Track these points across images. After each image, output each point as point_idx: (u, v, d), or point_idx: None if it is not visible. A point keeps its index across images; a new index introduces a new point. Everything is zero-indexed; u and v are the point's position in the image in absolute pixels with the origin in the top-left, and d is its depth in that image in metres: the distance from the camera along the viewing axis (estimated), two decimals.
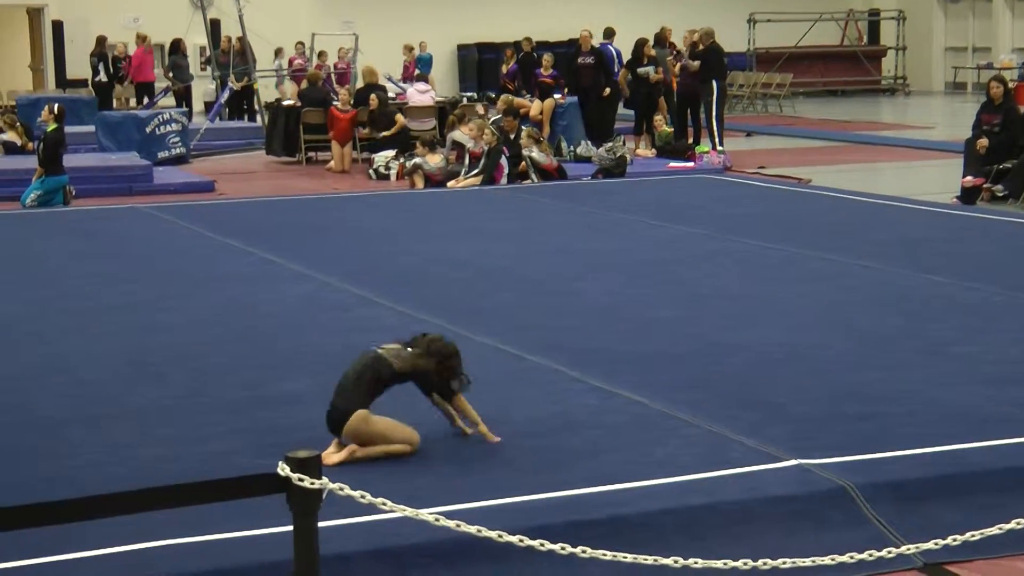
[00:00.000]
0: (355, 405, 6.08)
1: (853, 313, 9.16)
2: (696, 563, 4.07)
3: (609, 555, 4.06)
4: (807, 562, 4.30)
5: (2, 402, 7.24)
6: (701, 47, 19.83)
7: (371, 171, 19.23)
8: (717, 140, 19.52)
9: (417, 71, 25.63)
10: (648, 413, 6.84)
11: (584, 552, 4.03)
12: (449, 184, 17.40)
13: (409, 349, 6.30)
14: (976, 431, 6.34)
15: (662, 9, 31.85)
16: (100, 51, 26.62)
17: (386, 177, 18.97)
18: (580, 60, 21.48)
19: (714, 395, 7.14)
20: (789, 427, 6.50)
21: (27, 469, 6.09)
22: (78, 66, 28.93)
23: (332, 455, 6.03)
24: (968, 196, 15.28)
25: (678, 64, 21.19)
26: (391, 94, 22.34)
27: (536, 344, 8.31)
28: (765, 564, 4.15)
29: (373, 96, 20.45)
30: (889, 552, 4.42)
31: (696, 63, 19.94)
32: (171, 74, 26.24)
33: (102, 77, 26.38)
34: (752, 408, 6.87)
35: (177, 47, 26.14)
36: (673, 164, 19.30)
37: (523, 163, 17.63)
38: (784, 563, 4.20)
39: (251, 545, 5.03)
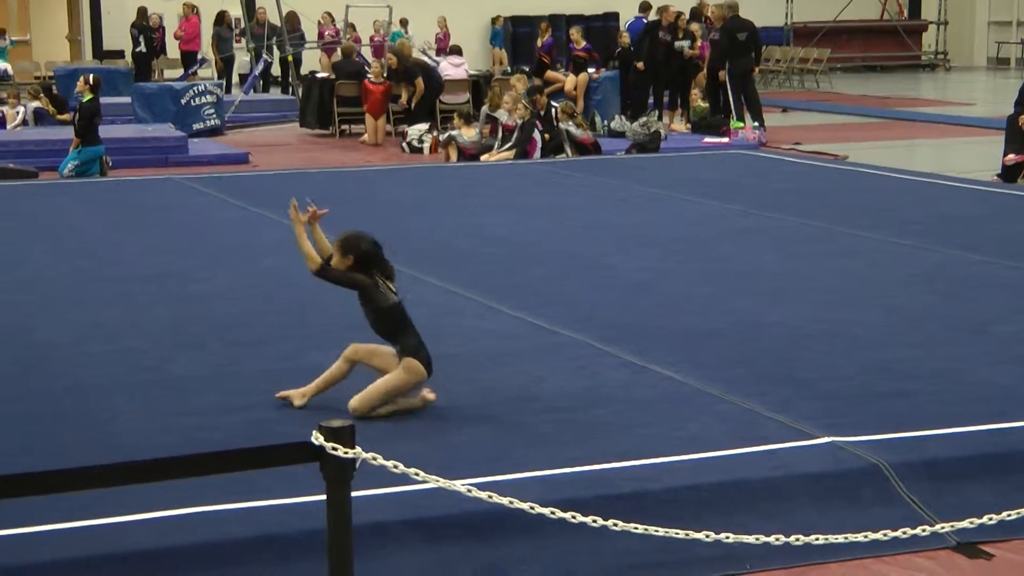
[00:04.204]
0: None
1: (889, 290, 9.12)
2: (728, 538, 4.08)
3: (640, 528, 4.07)
4: (840, 539, 4.30)
5: (44, 369, 7.31)
6: (717, 25, 19.78)
7: (404, 144, 19.24)
8: (735, 116, 19.46)
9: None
10: (680, 388, 6.84)
11: (615, 525, 4.04)
12: (483, 158, 17.39)
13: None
14: (1013, 411, 6.31)
15: None
16: (140, 22, 26.70)
17: (419, 150, 18.98)
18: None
19: (747, 371, 7.14)
20: (822, 404, 6.49)
21: (69, 434, 6.15)
22: (115, 37, 29.02)
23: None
24: (1009, 174, 15.17)
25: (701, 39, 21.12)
26: None
27: (568, 318, 8.32)
28: (797, 540, 4.16)
29: (390, 55, 20.44)
30: (923, 530, 4.42)
31: (687, 43, 20.00)
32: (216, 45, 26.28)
33: (142, 48, 26.46)
34: (785, 384, 6.86)
35: (222, 19, 26.17)
36: (708, 140, 19.24)
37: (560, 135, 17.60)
38: (817, 539, 4.21)
39: (285, 513, 5.07)
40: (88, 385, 7.00)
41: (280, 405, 6.55)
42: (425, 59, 23.30)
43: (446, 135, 18.28)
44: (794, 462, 5.68)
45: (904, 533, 4.29)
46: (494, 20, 29.59)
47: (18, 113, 19.71)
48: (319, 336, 7.95)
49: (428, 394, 6.49)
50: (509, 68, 23.96)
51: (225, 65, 26.10)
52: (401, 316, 6.42)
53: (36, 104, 19.95)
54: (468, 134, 18.01)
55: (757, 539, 4.14)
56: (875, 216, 12.23)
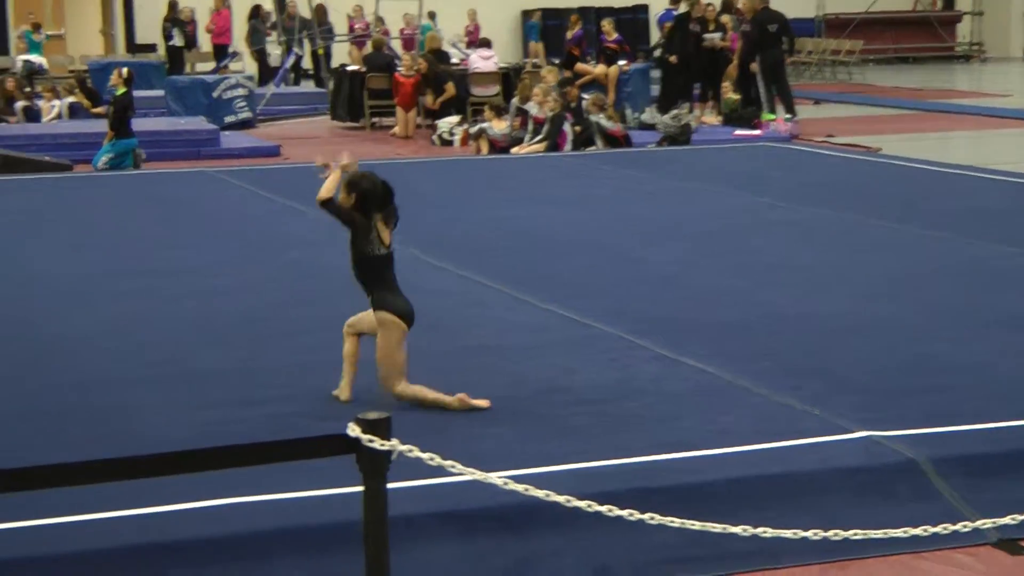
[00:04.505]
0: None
1: (923, 283, 9.07)
2: (765, 532, 4.05)
3: (677, 522, 4.06)
4: (878, 534, 4.26)
5: (71, 361, 7.33)
6: (748, 16, 19.72)
7: (435, 137, 19.24)
8: (767, 108, 19.39)
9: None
10: (713, 382, 6.82)
11: (652, 519, 4.02)
12: (513, 150, 17.38)
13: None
14: None
15: None
16: (172, 16, 26.78)
17: (450, 143, 18.98)
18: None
19: (779, 364, 7.10)
20: (856, 398, 6.45)
21: (97, 427, 6.16)
22: (148, 31, 29.10)
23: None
24: None
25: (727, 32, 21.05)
26: (455, 60, 22.31)
27: (599, 311, 8.30)
28: (836, 535, 4.13)
29: (421, 59, 20.43)
30: (964, 526, 4.38)
31: (718, 36, 19.92)
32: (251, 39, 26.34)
33: (176, 41, 26.54)
34: (818, 378, 6.82)
35: (257, 12, 26.21)
36: (739, 132, 19.17)
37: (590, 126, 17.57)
38: (855, 534, 4.17)
39: (319, 505, 5.07)
40: (114, 378, 7.01)
41: (304, 398, 6.55)
42: (455, 51, 23.29)
43: (476, 128, 18.28)
44: (829, 457, 5.64)
45: (945, 529, 4.24)
46: (530, 14, 29.51)
47: (53, 107, 19.81)
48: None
49: (479, 402, 6.42)
50: (545, 62, 23.86)
51: (261, 57, 26.14)
52: (381, 269, 6.38)
53: (71, 99, 20.04)
54: (499, 127, 18.00)
55: (795, 534, 4.11)
56: (908, 208, 12.16)
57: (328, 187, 6.27)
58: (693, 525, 4.14)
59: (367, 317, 6.51)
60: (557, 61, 23.57)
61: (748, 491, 5.35)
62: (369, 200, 6.26)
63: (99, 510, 4.95)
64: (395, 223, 6.48)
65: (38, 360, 7.37)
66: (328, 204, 6.23)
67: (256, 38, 26.08)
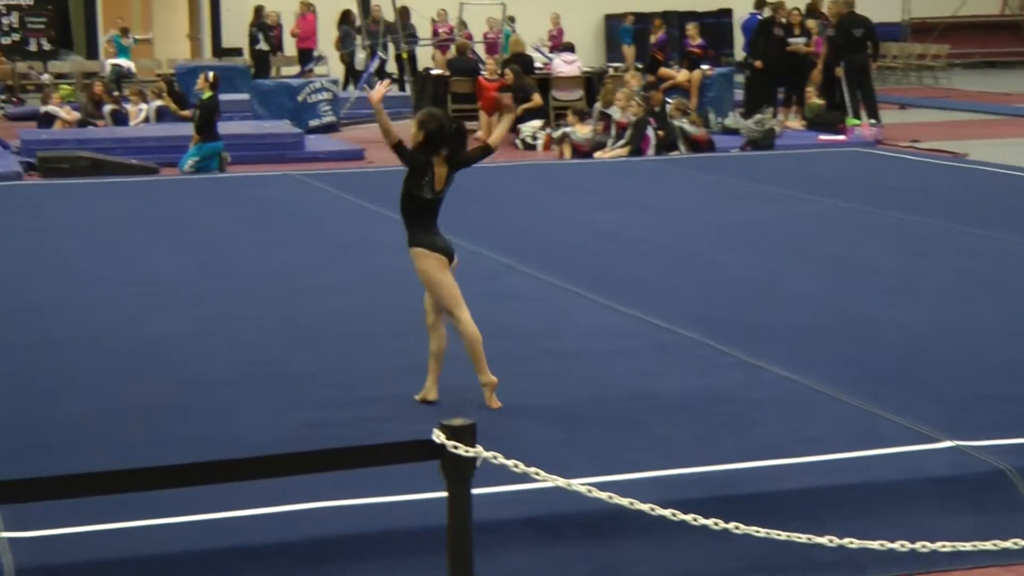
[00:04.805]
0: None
1: (1010, 290, 8.96)
2: (852, 543, 4.02)
3: (762, 532, 4.04)
4: (967, 546, 4.21)
5: (164, 361, 7.44)
6: (833, 21, 19.55)
7: (518, 141, 19.26)
8: (851, 113, 19.22)
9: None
10: (797, 389, 6.78)
11: (737, 528, 4.01)
12: (596, 155, 17.37)
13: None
14: None
15: None
16: (258, 20, 27.03)
17: (533, 147, 18.99)
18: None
19: (865, 372, 7.05)
20: (942, 407, 6.39)
21: (190, 428, 6.26)
22: (234, 35, 29.38)
23: None
24: None
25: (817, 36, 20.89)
26: (538, 64, 22.32)
27: (682, 316, 8.28)
28: (924, 547, 4.08)
29: (507, 70, 20.45)
30: None
31: (802, 40, 19.74)
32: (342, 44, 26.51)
33: (261, 46, 26.79)
34: (904, 386, 6.77)
35: (347, 17, 26.39)
36: (823, 137, 19.02)
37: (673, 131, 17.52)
38: (944, 547, 4.13)
39: (403, 510, 5.11)
40: (207, 379, 7.11)
41: (391, 401, 6.60)
42: (538, 56, 23.29)
43: (560, 132, 18.28)
44: (915, 466, 5.60)
45: None
46: (622, 17, 29.42)
47: (140, 111, 20.07)
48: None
49: (494, 402, 6.54)
50: (636, 66, 23.77)
51: (348, 63, 26.29)
52: (425, 211, 6.53)
53: (158, 103, 20.30)
54: (582, 131, 17.99)
55: (881, 545, 4.08)
56: (996, 215, 12.01)
57: (387, 126, 6.51)
58: (778, 535, 4.13)
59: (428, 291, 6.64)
60: (641, 65, 23.50)
61: (833, 500, 5.32)
62: (436, 140, 6.43)
63: (185, 513, 5.03)
64: (462, 164, 6.59)
65: (140, 360, 7.49)
66: (396, 147, 6.45)
67: (346, 43, 26.24)
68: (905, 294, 8.93)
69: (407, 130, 6.21)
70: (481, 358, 6.53)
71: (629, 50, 29.13)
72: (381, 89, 6.81)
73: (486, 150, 6.70)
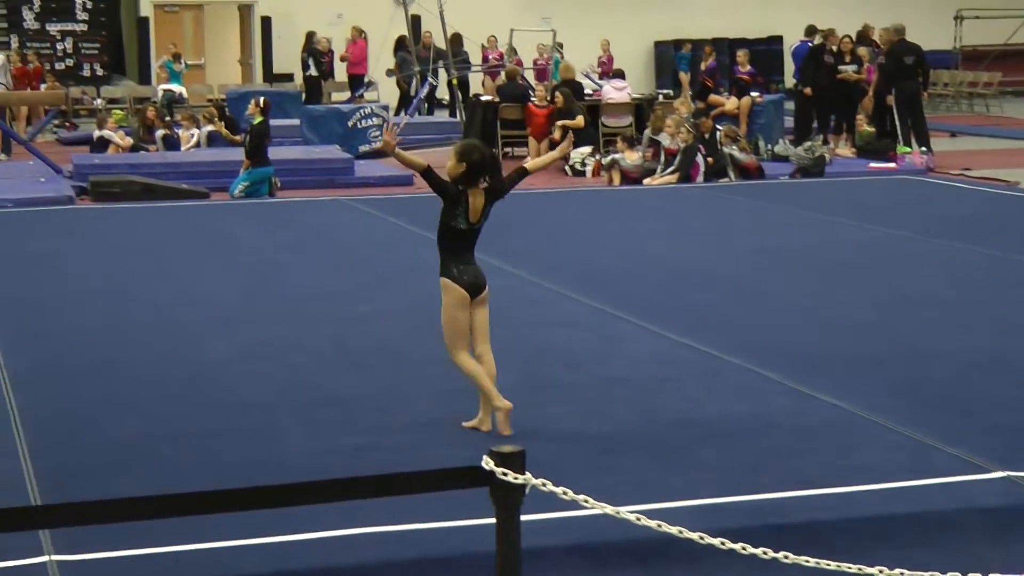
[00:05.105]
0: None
1: None
2: (903, 574, 3.98)
3: (812, 562, 4.01)
4: None
5: (214, 385, 7.48)
6: (884, 48, 19.47)
7: (567, 167, 19.28)
8: (902, 140, 19.13)
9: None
10: (846, 417, 6.75)
11: (786, 557, 3.99)
12: (645, 181, 17.36)
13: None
14: None
15: (864, 5, 31.16)
16: (309, 46, 27.22)
17: (582, 173, 19.00)
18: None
19: (915, 401, 7.01)
20: (995, 437, 6.34)
21: (238, 452, 6.29)
22: (284, 61, 29.59)
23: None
24: None
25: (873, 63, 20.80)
26: (588, 90, 22.35)
27: (730, 343, 8.25)
28: None
29: (558, 93, 20.47)
30: None
31: (852, 68, 19.67)
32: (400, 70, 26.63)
33: (312, 72, 26.97)
34: (956, 416, 6.72)
35: (403, 43, 26.53)
36: (874, 164, 18.94)
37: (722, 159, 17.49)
38: None
39: (452, 536, 5.11)
40: (255, 403, 7.14)
41: (439, 426, 6.61)
42: (587, 82, 23.31)
43: (609, 158, 18.28)
44: (967, 496, 5.55)
45: None
46: (681, 45, 29.43)
47: (192, 136, 20.23)
48: None
49: (506, 428, 6.50)
50: (687, 95, 23.78)
51: (404, 88, 26.40)
52: (458, 241, 6.59)
53: (210, 127, 20.45)
54: (631, 157, 17.98)
55: None
56: None
57: (412, 159, 6.62)
58: (828, 564, 4.10)
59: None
60: (691, 92, 23.50)
61: (884, 530, 5.28)
62: (478, 170, 6.48)
63: (232, 538, 5.05)
64: (500, 194, 6.63)
65: (190, 383, 7.54)
66: (428, 174, 6.50)
67: (404, 68, 26.37)
68: (956, 323, 8.87)
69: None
70: (487, 392, 6.52)
71: (685, 77, 29.13)
72: (389, 134, 6.82)
73: (522, 172, 6.78)
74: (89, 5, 28.97)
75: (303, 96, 26.01)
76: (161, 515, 3.92)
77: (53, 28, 28.78)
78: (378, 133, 21.21)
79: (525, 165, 6.86)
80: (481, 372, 6.51)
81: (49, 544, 5.02)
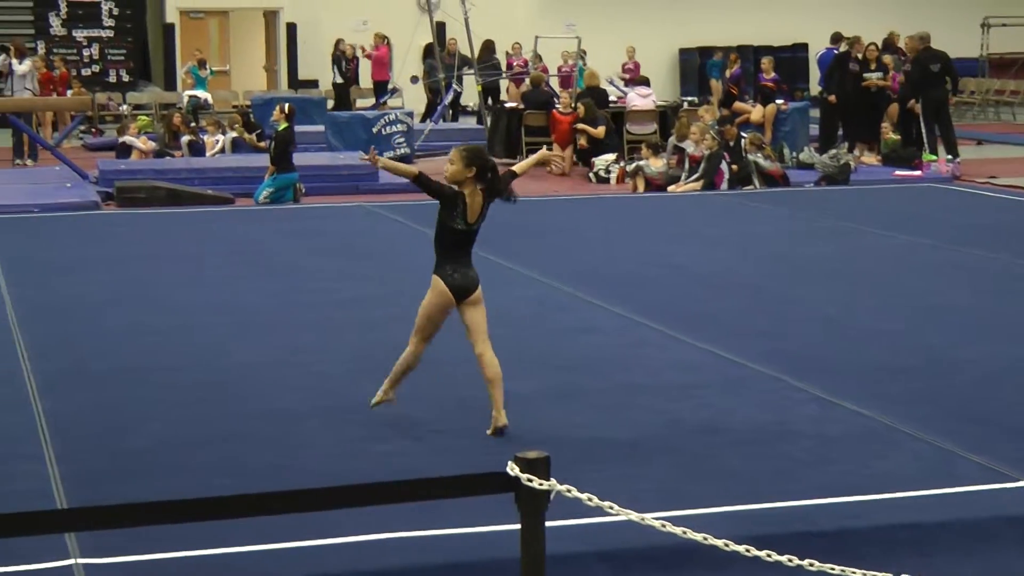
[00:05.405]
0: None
1: None
2: None
3: (837, 569, 4.00)
4: None
5: (242, 391, 7.50)
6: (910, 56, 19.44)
7: (591, 174, 19.28)
8: (928, 148, 19.07)
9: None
10: (872, 425, 6.73)
11: (812, 565, 3.98)
12: (669, 188, 17.35)
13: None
14: None
15: (890, 12, 31.12)
16: (336, 53, 27.31)
17: (606, 180, 19.00)
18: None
19: (941, 409, 6.98)
20: (1020, 445, 6.32)
21: (264, 457, 6.30)
22: (309, 67, 29.67)
23: None
24: None
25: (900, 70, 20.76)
26: (612, 97, 22.35)
27: (756, 351, 8.24)
28: None
29: (580, 104, 20.47)
30: None
31: (878, 75, 19.64)
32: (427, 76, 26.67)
33: (337, 78, 27.05)
34: (981, 424, 6.69)
35: (431, 50, 26.57)
36: (899, 172, 18.88)
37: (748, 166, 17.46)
38: None
39: (477, 541, 5.11)
40: (281, 408, 7.16)
41: (465, 433, 6.62)
42: (612, 89, 23.31)
43: (633, 165, 18.27)
44: (994, 505, 5.53)
45: None
46: (713, 52, 29.38)
47: (217, 142, 20.29)
48: (504, 365, 7.97)
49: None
50: (717, 101, 23.74)
51: (432, 95, 26.44)
52: (454, 241, 6.71)
53: (234, 134, 20.51)
54: (655, 164, 17.97)
55: None
56: None
57: (403, 168, 6.87)
58: (854, 572, 4.09)
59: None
60: (713, 99, 23.48)
61: (911, 538, 5.26)
62: (483, 172, 6.62)
63: (257, 542, 5.06)
64: (498, 193, 6.72)
65: (221, 388, 7.56)
66: (420, 180, 6.64)
67: (432, 74, 26.42)
68: (982, 331, 8.83)
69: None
70: (399, 379, 6.85)
71: (717, 85, 29.10)
72: (371, 154, 6.98)
73: (512, 175, 6.88)
74: (115, 11, 29.10)
75: (333, 102, 26.08)
76: (186, 519, 3.92)
77: (80, 34, 28.91)
78: (403, 139, 21.27)
79: (514, 168, 6.96)
80: (403, 368, 6.83)
81: (75, 547, 5.04)
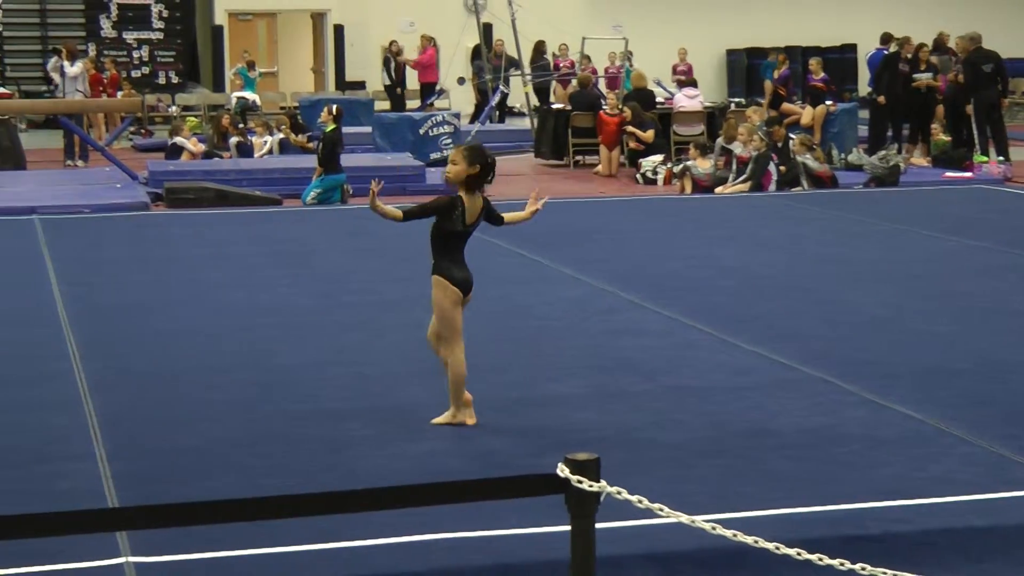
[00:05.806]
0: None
1: None
2: None
3: (889, 574, 3.97)
4: None
5: (290, 392, 7.52)
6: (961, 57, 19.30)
7: (638, 175, 19.24)
8: (979, 149, 18.93)
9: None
10: (923, 429, 6.68)
11: (863, 569, 3.95)
12: (717, 190, 17.29)
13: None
14: None
15: (939, 13, 30.90)
16: (387, 55, 27.41)
17: (653, 182, 18.96)
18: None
19: (993, 413, 6.92)
20: None
21: (309, 458, 6.31)
22: (357, 69, 29.77)
23: None
24: None
25: (951, 72, 20.60)
26: (660, 99, 22.30)
27: (805, 354, 8.19)
28: None
29: (626, 108, 20.43)
30: None
31: (927, 76, 19.51)
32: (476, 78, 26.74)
33: (387, 80, 27.16)
34: None
35: (478, 52, 26.62)
36: (949, 174, 18.75)
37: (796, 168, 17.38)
38: None
39: (527, 543, 5.10)
40: (327, 409, 7.17)
41: (511, 434, 6.61)
42: (660, 90, 23.27)
43: (681, 166, 18.22)
44: None
45: None
46: (766, 53, 29.27)
47: (265, 143, 20.38)
48: (550, 366, 7.99)
49: (468, 418, 6.74)
50: (757, 101, 23.66)
51: (482, 96, 26.50)
52: (452, 242, 6.78)
53: (282, 135, 20.59)
54: (703, 166, 17.92)
55: None
56: None
57: (389, 211, 6.80)
58: None
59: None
60: (762, 100, 23.38)
61: (963, 542, 5.21)
62: (487, 172, 6.72)
63: (303, 542, 5.07)
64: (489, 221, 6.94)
65: (268, 389, 7.59)
66: (409, 215, 6.80)
67: (482, 75, 26.47)
68: None
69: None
70: (457, 396, 6.77)
71: (770, 86, 29.02)
72: (374, 194, 6.83)
73: (500, 220, 7.09)
74: (165, 14, 29.32)
75: (389, 103, 26.19)
76: (235, 519, 3.93)
77: (130, 36, 29.15)
78: (449, 140, 21.29)
79: (504, 215, 7.09)
80: (457, 379, 6.76)
81: (126, 546, 5.07)
